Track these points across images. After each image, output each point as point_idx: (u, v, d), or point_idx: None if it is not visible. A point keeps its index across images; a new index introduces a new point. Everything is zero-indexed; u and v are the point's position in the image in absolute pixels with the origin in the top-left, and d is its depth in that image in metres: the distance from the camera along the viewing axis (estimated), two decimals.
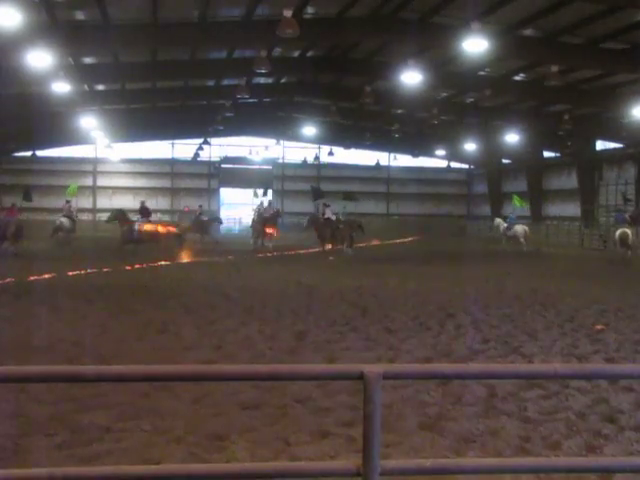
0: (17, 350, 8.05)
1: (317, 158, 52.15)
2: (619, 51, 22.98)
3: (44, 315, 10.58)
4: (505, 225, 32.77)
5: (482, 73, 28.59)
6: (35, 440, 5.13)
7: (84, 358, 7.63)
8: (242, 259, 23.31)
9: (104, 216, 43.21)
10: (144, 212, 26.87)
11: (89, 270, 17.55)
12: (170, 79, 31.13)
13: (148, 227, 25.16)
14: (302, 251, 27.52)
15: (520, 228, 31.54)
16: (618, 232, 24.87)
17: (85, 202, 49.05)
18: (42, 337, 8.83)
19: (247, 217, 42.71)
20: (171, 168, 50.88)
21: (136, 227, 24.78)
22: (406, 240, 38.21)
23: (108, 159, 48.67)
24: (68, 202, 30.23)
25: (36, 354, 7.81)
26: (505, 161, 48.79)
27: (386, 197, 53.48)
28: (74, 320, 10.21)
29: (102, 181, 49.72)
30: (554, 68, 24.47)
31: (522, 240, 30.99)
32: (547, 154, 44.33)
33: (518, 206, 35.23)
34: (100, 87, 32.38)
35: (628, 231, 24.39)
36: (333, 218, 26.95)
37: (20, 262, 20.04)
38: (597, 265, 23.59)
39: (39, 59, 20.76)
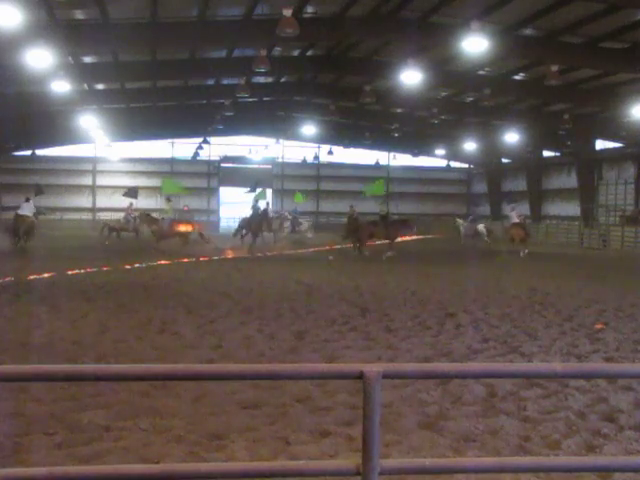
0: (16, 349, 8.05)
1: (317, 157, 52.15)
2: (619, 50, 22.98)
3: (43, 314, 10.58)
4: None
5: (482, 72, 28.61)
6: (34, 439, 5.13)
7: (83, 357, 7.63)
8: (242, 258, 23.32)
9: (103, 215, 43.34)
10: None
11: (89, 269, 17.56)
12: (170, 78, 31.11)
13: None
14: (301, 251, 27.53)
15: (305, 223, 35.39)
16: (480, 226, 33.02)
17: (85, 201, 49.08)
18: (41, 336, 8.83)
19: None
20: (171, 167, 50.88)
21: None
22: (405, 239, 38.13)
23: (108, 158, 48.67)
24: (267, 204, 32.59)
25: (35, 353, 7.81)
26: (505, 160, 48.83)
27: (386, 196, 53.42)
28: (73, 319, 10.20)
29: (101, 180, 49.70)
30: (554, 67, 24.50)
31: (309, 235, 33.81)
32: (547, 153, 44.37)
33: (300, 202, 37.41)
34: (100, 86, 32.39)
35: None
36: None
37: (20, 261, 20.04)
38: (597, 264, 23.61)
39: (39, 58, 20.75)
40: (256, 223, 28.67)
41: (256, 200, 31.08)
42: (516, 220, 27.15)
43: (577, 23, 20.93)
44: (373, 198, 52.62)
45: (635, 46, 21.74)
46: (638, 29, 20.75)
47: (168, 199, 26.85)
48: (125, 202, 32.73)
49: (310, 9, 21.91)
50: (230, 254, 24.06)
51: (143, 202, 49.38)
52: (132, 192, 33.13)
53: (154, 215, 27.57)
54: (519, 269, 20.75)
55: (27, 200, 25.89)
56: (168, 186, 28.25)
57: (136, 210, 31.60)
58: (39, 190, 30.54)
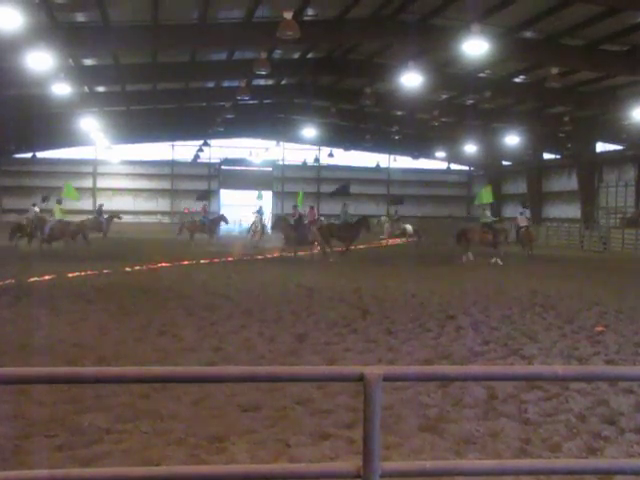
0: (17, 351, 8.04)
1: (317, 160, 52.18)
2: (619, 53, 23.00)
3: (44, 316, 10.58)
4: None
5: (482, 75, 28.63)
6: (35, 441, 5.13)
7: (84, 359, 7.62)
8: (242, 260, 23.33)
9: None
10: None
11: (89, 271, 17.56)
12: (170, 80, 31.16)
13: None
14: (302, 253, 27.50)
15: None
16: (407, 225, 30.43)
17: (85, 204, 49.07)
18: (42, 338, 8.83)
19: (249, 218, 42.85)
20: (171, 170, 50.91)
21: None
22: (405, 241, 38.14)
23: (108, 161, 48.70)
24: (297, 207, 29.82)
25: (36, 355, 7.81)
26: (505, 163, 48.83)
27: (386, 199, 53.51)
28: (74, 321, 10.20)
29: (102, 182, 49.73)
30: (554, 70, 24.56)
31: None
32: (547, 156, 44.38)
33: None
34: (100, 89, 32.43)
35: None
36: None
37: (21, 263, 20.03)
38: (597, 266, 23.60)
39: (39, 60, 20.77)
40: (354, 230, 25.61)
41: (345, 204, 29.10)
42: (525, 223, 27.50)
43: (577, 26, 20.96)
44: (374, 200, 53.02)
45: (635, 49, 21.76)
46: (637, 32, 20.77)
47: (58, 201, 26.75)
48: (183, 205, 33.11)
49: (310, 11, 21.93)
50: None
51: (144, 204, 49.74)
52: (204, 195, 33.97)
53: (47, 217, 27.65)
54: (519, 271, 20.74)
55: (34, 205, 28.05)
56: (69, 191, 28.48)
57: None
58: (46, 197, 31.54)
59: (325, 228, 25.88)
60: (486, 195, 27.37)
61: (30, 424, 5.48)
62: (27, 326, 9.77)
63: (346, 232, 25.54)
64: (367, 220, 27.22)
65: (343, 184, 34.17)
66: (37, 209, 27.94)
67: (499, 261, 22.97)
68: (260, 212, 35.01)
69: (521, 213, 29.03)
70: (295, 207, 28.22)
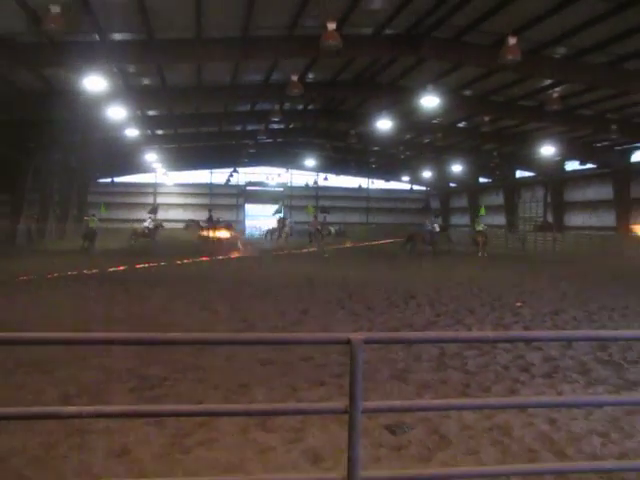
0: (101, 322, 8.04)
1: (316, 182, 52.13)
2: (531, 107, 23.07)
3: (119, 296, 10.58)
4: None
5: (435, 121, 28.60)
6: (113, 386, 5.14)
7: (148, 328, 7.62)
8: (261, 257, 23.29)
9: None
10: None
11: (151, 264, 17.52)
12: (209, 125, 31.07)
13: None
14: (305, 250, 27.48)
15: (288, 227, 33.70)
16: (331, 227, 29.96)
17: (148, 215, 48.89)
18: (118, 312, 8.83)
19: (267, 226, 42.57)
20: (210, 190, 50.82)
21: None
22: (379, 242, 38.09)
23: (165, 183, 48.62)
24: (315, 217, 30.34)
25: (114, 324, 7.81)
26: (452, 184, 48.79)
27: (366, 211, 53.47)
28: (140, 300, 10.20)
29: (160, 199, 49.57)
30: (486, 118, 24.57)
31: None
32: (482, 180, 44.33)
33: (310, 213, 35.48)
34: (159, 132, 32.34)
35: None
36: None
37: (101, 258, 19.99)
38: (517, 260, 23.61)
39: (116, 112, 20.79)
40: (437, 235, 26.41)
41: (436, 216, 28.64)
42: (438, 229, 27.90)
43: (501, 87, 21.00)
44: (357, 212, 52.96)
45: (542, 104, 21.74)
46: (543, 92, 20.85)
47: (93, 214, 26.58)
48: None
49: (311, 75, 21.91)
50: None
51: (190, 215, 49.46)
52: (279, 209, 33.93)
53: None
54: (459, 264, 20.74)
55: (150, 217, 30.00)
56: (103, 209, 29.42)
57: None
58: (154, 209, 32.26)
59: (417, 235, 26.37)
60: (482, 210, 27.91)
61: (110, 373, 5.49)
62: (107, 303, 9.76)
63: (433, 237, 25.97)
64: (446, 227, 28.17)
65: (426, 202, 33.98)
66: (149, 219, 29.29)
67: (485, 254, 23.98)
68: (284, 218, 34.27)
69: (432, 221, 28.81)
70: (315, 217, 29.21)
